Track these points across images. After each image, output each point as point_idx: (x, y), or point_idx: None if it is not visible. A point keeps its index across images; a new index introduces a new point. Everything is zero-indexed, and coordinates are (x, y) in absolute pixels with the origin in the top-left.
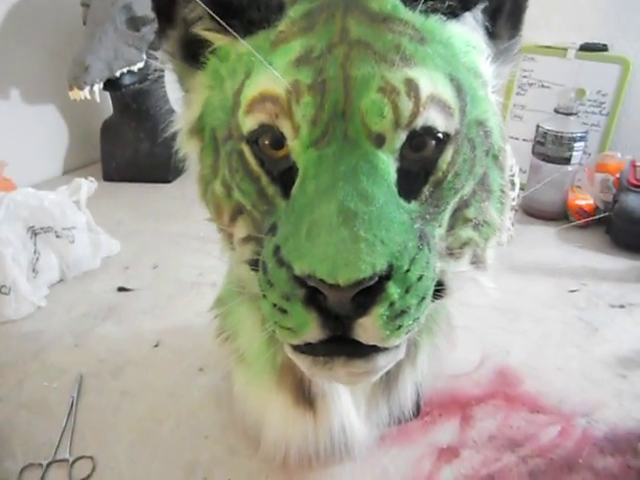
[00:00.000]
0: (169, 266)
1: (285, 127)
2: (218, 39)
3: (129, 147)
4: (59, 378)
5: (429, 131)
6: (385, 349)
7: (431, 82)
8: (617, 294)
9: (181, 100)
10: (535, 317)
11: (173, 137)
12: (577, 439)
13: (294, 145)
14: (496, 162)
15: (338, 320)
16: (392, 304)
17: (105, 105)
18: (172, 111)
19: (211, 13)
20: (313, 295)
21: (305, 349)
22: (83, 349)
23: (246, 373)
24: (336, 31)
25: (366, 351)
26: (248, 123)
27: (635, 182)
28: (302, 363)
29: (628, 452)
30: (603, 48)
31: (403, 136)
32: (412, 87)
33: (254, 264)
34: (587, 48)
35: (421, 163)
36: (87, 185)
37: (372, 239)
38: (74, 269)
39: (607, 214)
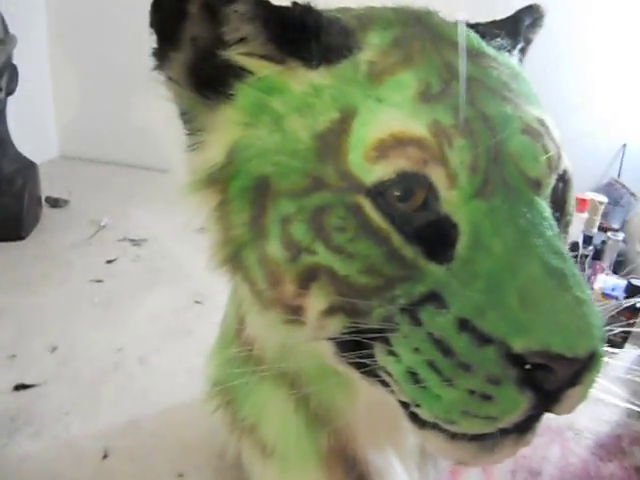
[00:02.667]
0: (72, 345)
1: (437, 175)
2: (263, 67)
3: None
4: None
5: (564, 173)
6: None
7: (550, 120)
8: None
9: (187, 141)
10: None
11: (23, 185)
12: (578, 453)
13: (450, 196)
14: None
15: (548, 395)
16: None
17: None
18: (18, 155)
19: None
20: (530, 373)
21: (472, 436)
22: None
23: (279, 468)
24: (440, 65)
25: (533, 423)
26: (378, 172)
27: None
28: (463, 452)
29: (618, 454)
30: None
31: (554, 180)
32: (545, 127)
33: (346, 344)
34: None
35: (555, 206)
36: None
37: (586, 299)
38: None
39: None
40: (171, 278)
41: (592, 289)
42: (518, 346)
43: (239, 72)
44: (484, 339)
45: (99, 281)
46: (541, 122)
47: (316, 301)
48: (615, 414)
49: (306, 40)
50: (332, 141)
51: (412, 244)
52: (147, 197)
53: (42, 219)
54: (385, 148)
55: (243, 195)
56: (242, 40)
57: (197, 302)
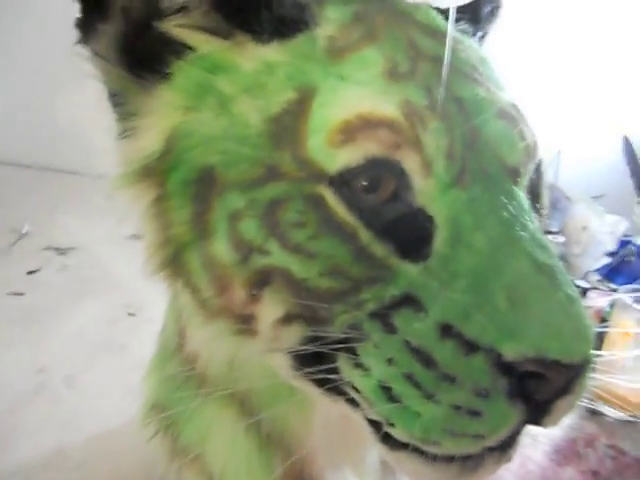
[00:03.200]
0: None
1: (411, 162)
2: (206, 42)
3: None
4: None
5: (539, 164)
6: None
7: (522, 105)
8: None
9: (118, 128)
10: None
11: None
12: (536, 459)
13: (425, 186)
14: None
15: (538, 407)
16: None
17: None
18: None
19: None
20: (521, 383)
21: (453, 457)
22: None
23: None
24: (406, 43)
25: (517, 437)
26: (343, 157)
27: None
28: (443, 475)
29: (574, 458)
30: None
31: (531, 170)
32: (519, 113)
33: (305, 357)
34: None
35: (531, 199)
36: None
37: (577, 297)
38: None
39: None
40: (101, 289)
41: None
42: (509, 353)
43: (178, 48)
44: (470, 346)
45: (18, 294)
46: (515, 107)
47: (270, 308)
48: (568, 417)
49: (256, 11)
50: (288, 124)
51: (382, 241)
52: (75, 203)
53: None
54: (352, 130)
55: (184, 189)
56: (182, 10)
57: (130, 314)
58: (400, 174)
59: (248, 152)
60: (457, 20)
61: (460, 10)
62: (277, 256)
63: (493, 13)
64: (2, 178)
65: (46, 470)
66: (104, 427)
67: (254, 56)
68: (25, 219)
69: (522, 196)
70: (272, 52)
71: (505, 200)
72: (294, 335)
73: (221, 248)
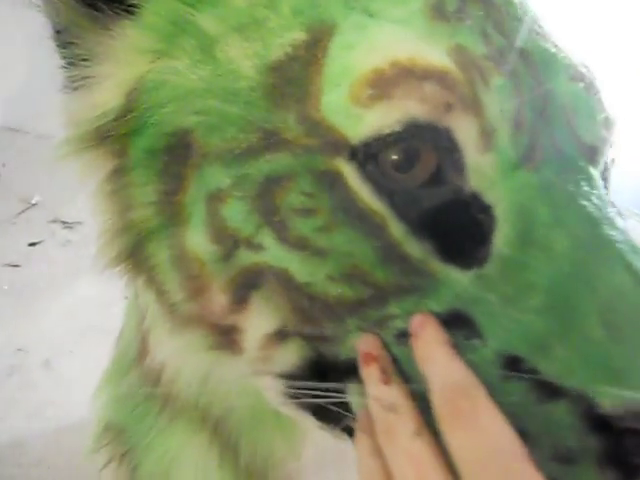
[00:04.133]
0: None
1: (465, 129)
2: None
3: None
4: None
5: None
6: None
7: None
8: None
9: (66, 77)
10: None
11: None
12: None
13: (483, 163)
14: None
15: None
16: None
17: None
18: None
19: None
20: (617, 442)
21: None
22: None
23: None
24: None
25: None
26: (373, 119)
27: None
28: None
29: None
30: None
31: (609, 150)
32: (593, 76)
33: (302, 379)
34: None
35: None
36: None
37: None
38: None
39: None
40: (100, 268)
41: None
42: (607, 402)
43: None
44: (548, 390)
45: (15, 266)
46: (589, 70)
47: (259, 319)
48: None
49: None
50: (294, 75)
51: (420, 237)
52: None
53: None
54: (385, 83)
55: (150, 160)
56: None
57: (126, 298)
58: (449, 146)
59: (237, 112)
60: None
61: None
62: (272, 252)
63: None
64: (22, 147)
65: (4, 464)
66: (74, 419)
67: None
68: (37, 190)
69: (600, 183)
70: None
71: (586, 188)
72: (289, 355)
73: (197, 239)
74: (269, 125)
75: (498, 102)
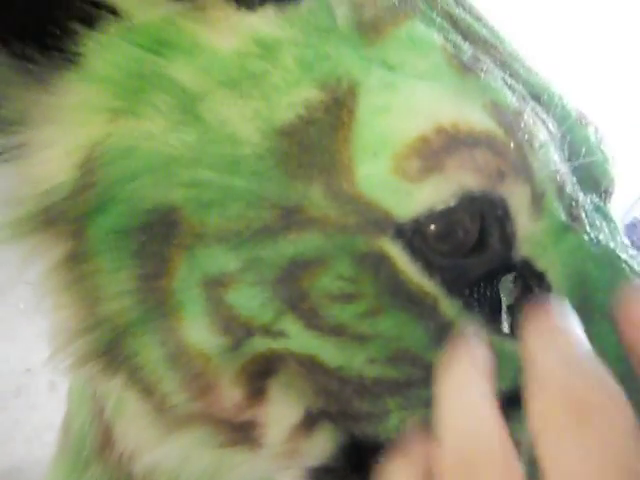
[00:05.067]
0: None
1: (519, 196)
2: (146, 4)
3: None
4: None
5: None
6: None
7: None
8: None
9: None
10: None
11: None
12: None
13: (534, 229)
14: None
15: None
16: None
17: None
18: None
19: None
20: None
21: None
22: None
23: None
24: (444, 17)
25: None
26: (424, 196)
27: None
28: None
29: None
30: None
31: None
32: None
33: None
34: None
35: None
36: None
37: None
38: None
39: None
40: None
41: None
42: None
43: (93, 12)
44: None
45: (31, 284)
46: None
47: (281, 410)
48: None
49: None
50: (313, 141)
51: (473, 311)
52: None
53: None
54: (434, 152)
55: (120, 241)
56: None
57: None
58: (501, 215)
59: (242, 185)
60: None
61: None
62: (297, 339)
63: None
64: None
65: None
66: None
67: (236, 29)
68: None
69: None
70: (267, 24)
71: (618, 237)
72: (320, 444)
73: (198, 332)
74: (288, 201)
75: (544, 164)
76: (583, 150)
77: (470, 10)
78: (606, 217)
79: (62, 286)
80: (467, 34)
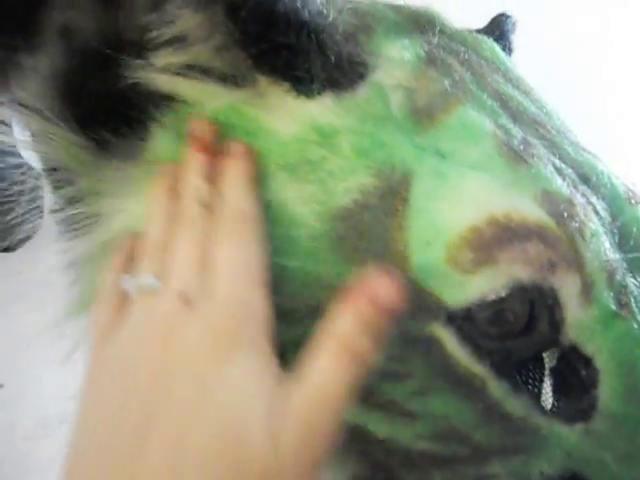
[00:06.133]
0: (21, 385)
1: (569, 287)
2: (216, 92)
3: None
4: None
5: None
6: None
7: None
8: None
9: (68, 222)
10: None
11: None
12: None
13: (583, 317)
14: None
15: None
16: None
17: None
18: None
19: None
20: None
21: None
22: None
23: None
24: (496, 97)
25: None
26: (477, 286)
27: None
28: None
29: None
30: None
31: None
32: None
33: None
34: None
35: None
36: None
37: None
38: None
39: None
40: None
41: None
42: None
43: (163, 97)
44: None
45: None
46: (633, 184)
47: (328, 475)
48: None
49: (305, 45)
50: (368, 226)
51: (521, 394)
52: None
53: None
54: (487, 244)
55: None
56: (176, 41)
57: None
58: (551, 304)
59: (296, 266)
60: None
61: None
62: (351, 412)
63: (513, 31)
64: None
65: None
66: None
67: (295, 116)
68: None
69: None
70: (325, 112)
71: None
72: None
73: None
74: (343, 283)
75: (595, 253)
76: (634, 231)
77: (518, 85)
78: None
79: None
80: (517, 114)
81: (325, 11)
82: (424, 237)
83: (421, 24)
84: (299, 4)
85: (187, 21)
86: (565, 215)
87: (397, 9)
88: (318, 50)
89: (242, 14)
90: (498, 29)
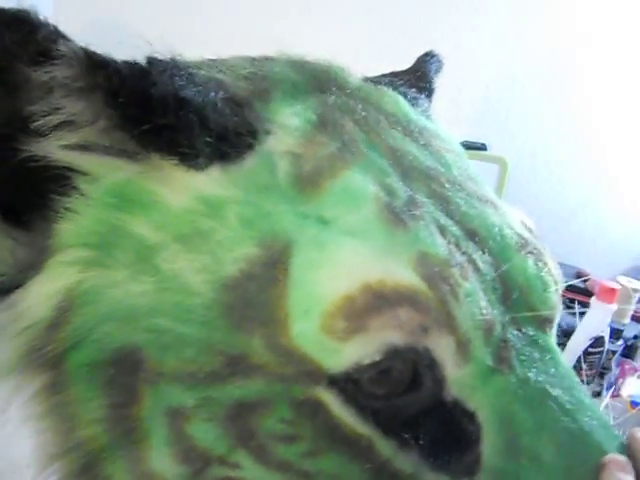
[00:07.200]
0: None
1: (443, 348)
2: (109, 166)
3: None
4: None
5: None
6: None
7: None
8: None
9: None
10: None
11: None
12: None
13: (462, 375)
14: None
15: None
16: None
17: None
18: None
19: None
20: None
21: None
22: None
23: None
24: (388, 155)
25: None
26: (351, 353)
27: None
28: None
29: None
30: (482, 147)
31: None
32: (536, 236)
33: None
34: (466, 146)
35: None
36: None
37: None
38: None
39: None
40: None
41: (618, 395)
42: None
43: (63, 175)
44: None
45: None
46: (529, 229)
47: None
48: None
49: (187, 125)
50: (253, 295)
51: (409, 451)
52: None
53: None
54: (359, 313)
55: (91, 373)
56: (66, 125)
57: None
58: (428, 363)
59: (193, 333)
60: (414, 98)
61: (409, 79)
62: (251, 471)
63: (438, 70)
64: None
65: None
66: None
67: (185, 189)
68: None
69: (561, 357)
70: (212, 184)
71: (553, 369)
72: None
73: (161, 460)
74: (233, 349)
75: (469, 313)
76: (520, 281)
77: (418, 137)
78: (542, 349)
79: (41, 412)
80: (408, 170)
81: (205, 88)
82: (302, 306)
83: (322, 82)
84: (177, 85)
85: (72, 108)
86: (438, 277)
87: (299, 68)
88: (200, 126)
89: (119, 100)
90: (420, 69)
